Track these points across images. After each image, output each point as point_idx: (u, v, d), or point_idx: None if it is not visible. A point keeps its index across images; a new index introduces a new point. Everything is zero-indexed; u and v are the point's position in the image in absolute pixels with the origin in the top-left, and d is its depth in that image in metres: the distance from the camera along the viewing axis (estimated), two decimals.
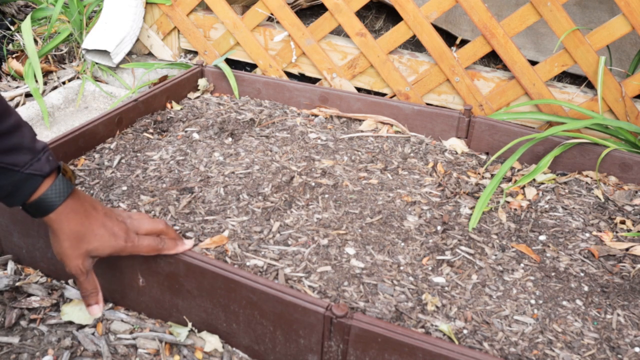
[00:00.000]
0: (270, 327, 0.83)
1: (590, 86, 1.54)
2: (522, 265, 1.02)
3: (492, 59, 2.05)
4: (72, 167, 1.21)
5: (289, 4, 2.00)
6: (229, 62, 1.85)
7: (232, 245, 1.01)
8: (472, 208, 1.17)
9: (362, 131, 1.46)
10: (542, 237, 1.10)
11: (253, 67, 1.91)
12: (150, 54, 1.93)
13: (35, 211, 0.77)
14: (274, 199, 1.15)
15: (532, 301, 0.94)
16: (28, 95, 1.71)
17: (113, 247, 0.81)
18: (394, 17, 2.26)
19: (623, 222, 1.15)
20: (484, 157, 1.39)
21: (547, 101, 1.47)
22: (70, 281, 0.99)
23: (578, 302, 0.95)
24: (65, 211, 0.78)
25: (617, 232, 1.12)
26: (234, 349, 0.89)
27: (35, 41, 1.85)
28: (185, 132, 1.40)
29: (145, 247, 0.83)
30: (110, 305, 0.96)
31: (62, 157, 1.21)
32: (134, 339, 0.89)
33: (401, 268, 0.99)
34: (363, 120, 1.50)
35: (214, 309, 0.87)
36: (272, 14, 1.67)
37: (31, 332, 0.89)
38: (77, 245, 0.78)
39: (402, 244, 1.05)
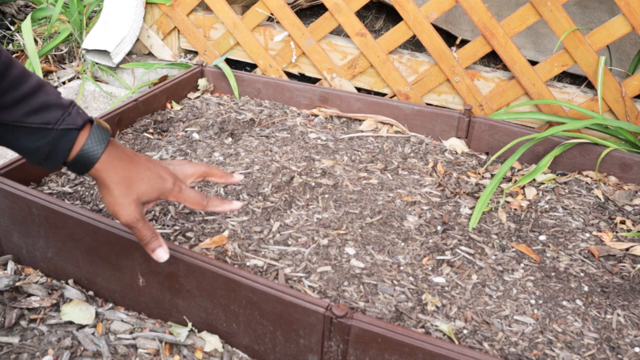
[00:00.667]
0: (270, 327, 0.83)
1: (590, 86, 1.54)
2: (522, 265, 1.02)
3: (492, 59, 2.05)
4: None
5: (289, 4, 2.00)
6: (229, 62, 1.85)
7: (232, 245, 1.01)
8: (472, 208, 1.17)
9: (362, 131, 1.46)
10: (542, 237, 1.10)
11: (253, 67, 1.91)
12: (150, 54, 1.93)
13: (79, 167, 0.74)
14: (274, 199, 1.15)
15: (532, 301, 0.94)
16: None
17: (160, 189, 0.78)
18: (394, 17, 2.26)
19: (623, 222, 1.15)
20: (484, 157, 1.39)
21: (547, 101, 1.47)
22: (71, 281, 0.99)
23: (578, 302, 0.95)
24: (109, 159, 0.75)
25: (617, 232, 1.12)
26: (234, 349, 0.89)
27: (35, 41, 1.85)
28: (185, 132, 1.40)
29: (191, 198, 0.81)
30: (110, 305, 0.96)
31: None
32: (134, 339, 0.89)
33: (401, 268, 0.99)
34: (363, 120, 1.50)
35: (214, 309, 0.87)
36: (272, 14, 1.67)
37: (31, 332, 0.89)
38: (127, 191, 0.76)
39: (402, 244, 1.05)
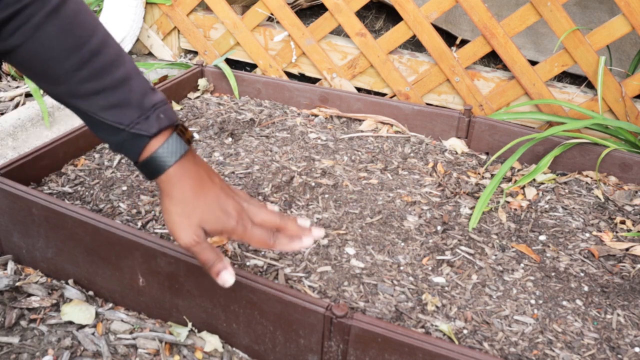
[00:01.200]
0: (270, 327, 0.83)
1: (590, 86, 1.54)
2: (522, 265, 1.02)
3: (492, 59, 2.05)
4: (72, 167, 1.21)
5: (289, 4, 2.00)
6: (229, 62, 1.85)
7: (232, 245, 1.01)
8: (472, 208, 1.17)
9: (362, 131, 1.46)
10: (542, 237, 1.10)
11: (253, 67, 1.91)
12: (150, 54, 1.92)
13: (147, 172, 0.70)
14: (274, 199, 1.15)
15: (532, 301, 0.94)
16: (28, 95, 1.71)
17: (223, 225, 0.72)
18: (394, 17, 2.26)
19: (623, 222, 1.15)
20: (484, 157, 1.39)
21: (547, 101, 1.47)
22: (71, 281, 0.99)
23: (578, 302, 0.95)
24: (178, 174, 0.70)
25: (617, 232, 1.12)
26: (234, 349, 0.89)
27: None
28: None
29: (256, 238, 0.74)
30: (110, 305, 0.96)
31: (62, 157, 1.21)
32: (134, 339, 0.89)
33: (401, 268, 0.99)
34: (363, 120, 1.50)
35: (214, 309, 0.87)
36: (272, 14, 1.67)
37: (31, 332, 0.89)
38: (188, 213, 0.70)
39: (402, 244, 1.05)
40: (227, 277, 0.73)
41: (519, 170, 1.33)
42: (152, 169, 0.70)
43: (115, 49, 0.68)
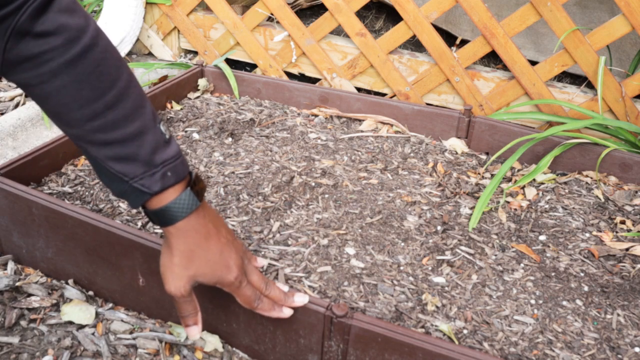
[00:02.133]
0: (270, 327, 0.83)
1: (590, 86, 1.54)
2: (522, 265, 1.02)
3: (492, 59, 2.05)
4: (72, 167, 1.21)
5: (288, 4, 2.00)
6: (229, 62, 1.85)
7: None
8: (472, 208, 1.17)
9: (362, 131, 1.46)
10: (542, 237, 1.10)
11: (253, 67, 1.91)
12: (150, 54, 1.93)
13: (155, 220, 0.71)
14: (274, 199, 1.15)
15: (532, 301, 0.94)
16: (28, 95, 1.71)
17: (221, 279, 0.73)
18: (394, 17, 2.26)
19: (623, 222, 1.15)
20: (484, 157, 1.39)
21: (547, 101, 1.47)
22: (71, 281, 0.99)
23: (578, 302, 0.95)
24: (186, 228, 0.70)
25: (617, 232, 1.12)
26: (234, 349, 0.89)
27: None
28: (185, 132, 1.40)
29: (245, 296, 0.75)
30: (110, 305, 0.96)
31: (62, 157, 1.21)
32: (134, 339, 0.89)
33: (401, 268, 0.99)
34: (363, 120, 1.50)
35: (214, 309, 0.87)
36: (272, 14, 1.67)
37: (31, 332, 0.89)
38: (186, 265, 0.71)
39: (402, 244, 1.05)
40: (193, 332, 0.75)
41: (519, 170, 1.33)
42: (161, 220, 0.70)
43: (133, 100, 0.67)
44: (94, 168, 0.70)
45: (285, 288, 0.80)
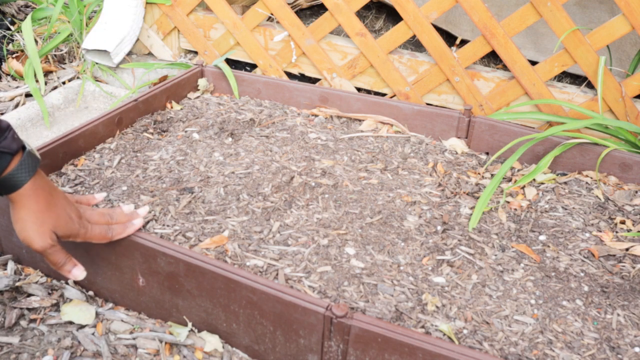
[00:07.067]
0: (270, 327, 0.83)
1: (590, 86, 1.54)
2: (522, 265, 1.02)
3: (492, 59, 2.05)
4: (72, 167, 1.21)
5: (288, 4, 2.00)
6: (229, 62, 1.85)
7: (232, 245, 1.01)
8: (472, 208, 1.17)
9: (362, 131, 1.46)
10: (542, 237, 1.10)
11: (253, 67, 1.91)
12: (150, 54, 1.93)
13: (2, 189, 0.77)
14: (274, 199, 1.15)
15: (532, 301, 0.94)
16: (28, 95, 1.71)
17: (70, 230, 0.82)
18: (394, 17, 2.26)
19: (623, 222, 1.15)
20: (484, 157, 1.39)
21: (547, 101, 1.47)
22: (70, 281, 0.99)
23: (578, 302, 0.95)
24: (33, 188, 0.78)
25: (617, 232, 1.12)
26: (234, 349, 0.89)
27: (35, 41, 1.85)
28: (185, 132, 1.40)
29: (96, 235, 0.85)
30: (110, 305, 0.96)
31: (62, 157, 1.21)
32: (134, 339, 0.89)
33: (401, 268, 0.99)
34: (363, 120, 1.50)
35: (214, 309, 0.87)
36: (272, 14, 1.67)
37: (31, 332, 0.89)
38: (42, 222, 0.79)
39: (402, 244, 1.05)
40: (77, 273, 0.85)
41: (519, 170, 1.33)
42: (9, 186, 0.77)
43: None
44: None
45: (131, 207, 0.96)
